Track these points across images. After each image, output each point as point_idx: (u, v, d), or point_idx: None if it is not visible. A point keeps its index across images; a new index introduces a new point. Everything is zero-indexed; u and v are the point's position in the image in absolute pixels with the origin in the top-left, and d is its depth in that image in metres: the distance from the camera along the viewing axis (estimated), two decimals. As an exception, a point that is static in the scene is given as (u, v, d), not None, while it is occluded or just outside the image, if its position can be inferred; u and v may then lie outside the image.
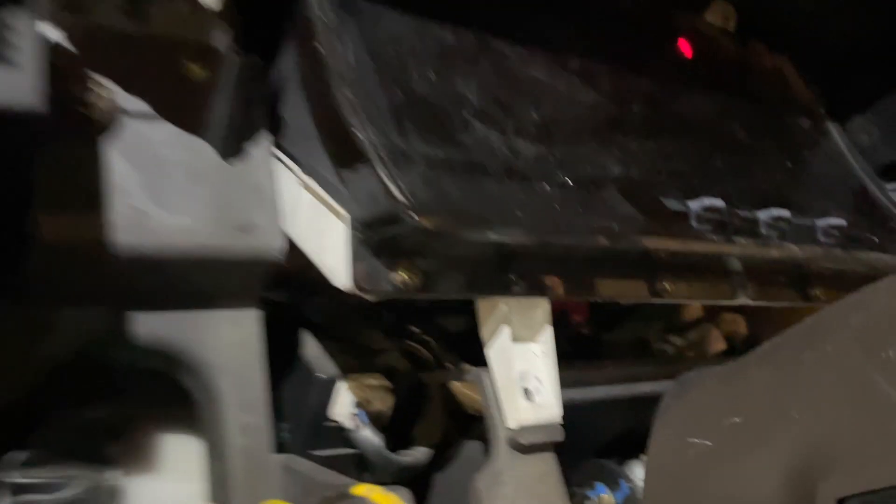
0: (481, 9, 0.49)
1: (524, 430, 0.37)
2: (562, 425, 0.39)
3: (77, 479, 0.34)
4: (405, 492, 0.33)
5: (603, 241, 0.39)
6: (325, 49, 0.38)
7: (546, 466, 0.38)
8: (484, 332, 0.39)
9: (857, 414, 0.32)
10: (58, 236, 0.32)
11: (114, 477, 0.36)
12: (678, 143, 0.54)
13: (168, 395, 0.38)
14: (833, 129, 0.71)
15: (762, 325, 0.77)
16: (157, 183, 0.35)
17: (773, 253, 0.47)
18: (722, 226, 0.47)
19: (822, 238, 0.54)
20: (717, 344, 0.77)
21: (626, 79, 0.55)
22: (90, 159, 0.32)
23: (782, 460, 0.34)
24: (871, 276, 0.50)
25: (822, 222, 0.55)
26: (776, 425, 0.35)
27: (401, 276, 0.34)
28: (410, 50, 0.42)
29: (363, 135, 0.34)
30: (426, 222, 0.31)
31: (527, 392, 0.39)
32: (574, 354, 0.58)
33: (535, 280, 0.39)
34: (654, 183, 0.47)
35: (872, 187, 0.68)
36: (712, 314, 0.78)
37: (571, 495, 0.46)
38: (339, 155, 0.35)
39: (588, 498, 0.50)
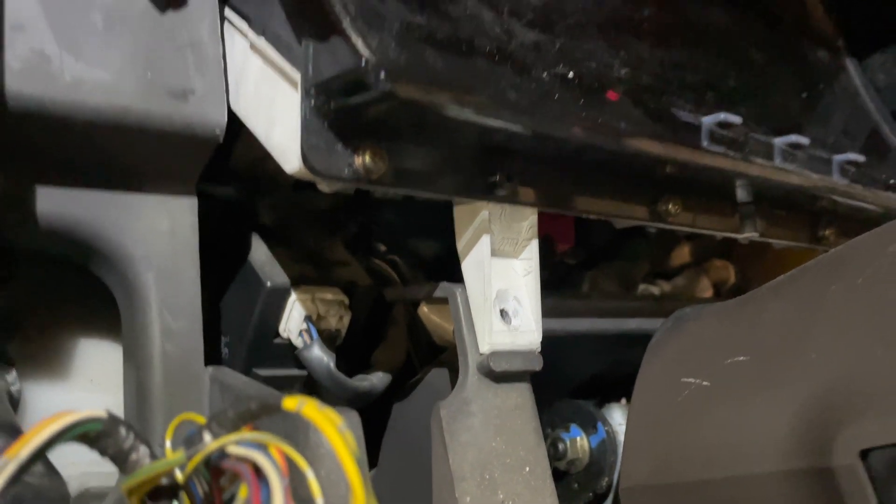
0: None
1: (498, 355, 0.32)
2: (540, 354, 0.34)
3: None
4: (352, 414, 0.27)
5: (606, 139, 0.33)
6: None
7: (520, 398, 0.33)
8: (460, 242, 0.34)
9: (883, 355, 0.27)
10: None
11: (9, 379, 0.30)
12: (691, 54, 0.48)
13: (78, 288, 0.32)
14: (850, 64, 0.65)
15: (752, 275, 0.73)
16: (69, 24, 0.28)
17: (792, 179, 0.41)
18: (736, 144, 0.41)
19: (838, 173, 0.49)
20: (705, 291, 0.73)
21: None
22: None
23: (795, 403, 0.29)
24: (883, 217, 0.45)
25: (840, 157, 0.50)
26: (791, 364, 0.30)
27: (363, 160, 0.28)
28: None
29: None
30: (398, 88, 0.25)
31: (503, 313, 0.33)
32: (554, 285, 0.54)
33: (524, 184, 0.33)
34: (663, 91, 0.41)
35: (885, 129, 0.63)
36: (701, 260, 0.74)
37: (543, 436, 0.41)
38: (297, 5, 0.29)
39: (561, 440, 0.45)
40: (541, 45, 0.37)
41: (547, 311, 0.36)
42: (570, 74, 0.36)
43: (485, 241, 0.33)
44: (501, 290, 0.33)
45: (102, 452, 0.22)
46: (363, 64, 0.25)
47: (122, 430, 0.22)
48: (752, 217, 0.44)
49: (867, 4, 0.67)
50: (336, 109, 0.27)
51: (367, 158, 0.28)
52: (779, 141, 0.45)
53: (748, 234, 0.44)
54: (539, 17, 0.38)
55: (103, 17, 0.29)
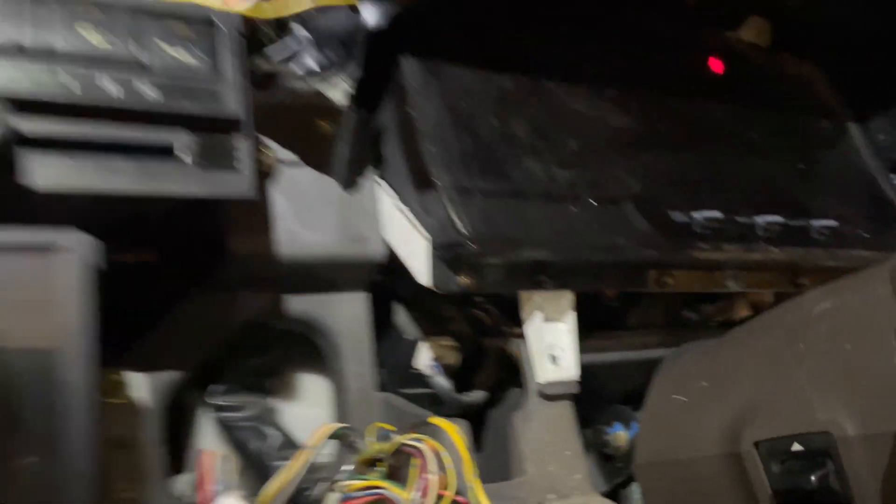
0: (534, 54, 0.63)
1: (549, 384, 0.54)
2: (579, 382, 0.55)
3: (252, 403, 0.53)
4: (463, 423, 0.50)
5: (611, 256, 0.53)
6: (413, 112, 0.53)
7: (564, 411, 0.54)
8: (523, 314, 0.55)
9: (774, 385, 0.47)
10: (240, 249, 0.49)
11: (273, 402, 0.55)
12: (696, 155, 0.67)
13: (307, 350, 0.55)
14: (853, 128, 0.80)
15: (785, 296, 0.89)
16: (302, 210, 0.52)
17: (756, 257, 0.60)
18: (720, 233, 0.60)
19: (815, 237, 0.66)
20: (743, 311, 0.89)
21: (656, 100, 0.68)
22: (261, 204, 0.49)
23: (727, 413, 0.48)
24: (852, 268, 0.63)
25: (817, 223, 0.67)
26: (725, 389, 0.49)
27: (463, 280, 0.50)
28: (478, 100, 0.57)
29: (439, 181, 0.50)
30: (479, 250, 0.47)
31: (553, 358, 0.55)
32: (604, 325, 0.73)
33: (560, 279, 0.54)
34: (665, 196, 0.61)
35: (882, 182, 0.77)
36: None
37: (595, 430, 0.62)
38: (421, 193, 0.51)
39: (607, 433, 0.66)
40: (573, 181, 0.57)
41: (592, 349, 0.57)
42: (593, 202, 0.57)
43: (538, 314, 0.55)
44: (550, 343, 0.55)
45: (344, 444, 0.45)
46: (462, 239, 0.47)
47: (351, 433, 0.45)
48: (735, 276, 0.62)
49: (869, 75, 0.81)
50: (448, 256, 0.49)
51: (464, 279, 0.50)
52: (760, 220, 0.64)
53: (731, 289, 0.62)
54: (574, 156, 0.59)
55: (320, 203, 0.52)
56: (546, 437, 0.53)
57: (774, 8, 0.79)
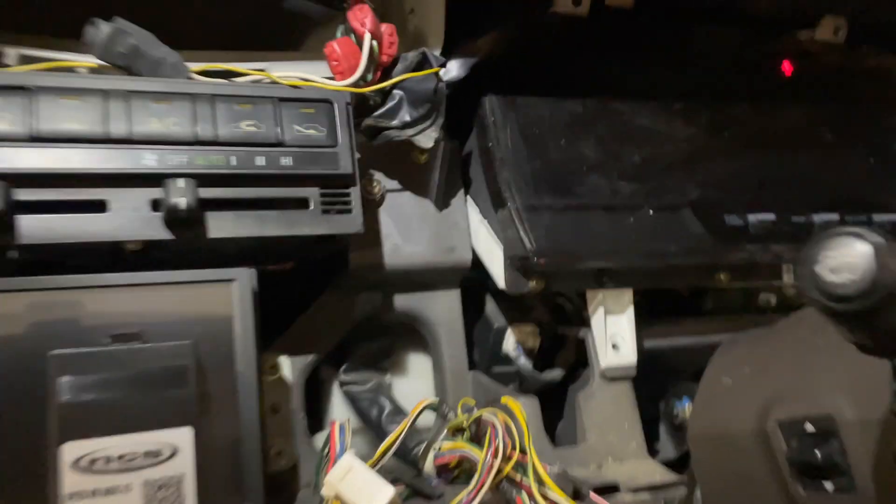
0: (601, 77, 0.71)
1: (611, 368, 0.64)
2: (637, 367, 0.65)
3: (371, 379, 0.67)
4: (534, 400, 0.61)
5: (664, 261, 0.63)
6: (492, 142, 0.64)
7: (624, 389, 0.65)
8: (589, 308, 0.65)
9: (797, 374, 0.54)
10: (358, 261, 0.63)
11: (386, 379, 0.69)
12: (758, 158, 0.73)
13: (413, 336, 0.69)
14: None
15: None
16: (405, 228, 0.65)
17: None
18: (772, 234, 0.67)
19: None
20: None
21: (722, 109, 0.74)
22: (372, 225, 0.62)
23: (759, 397, 0.57)
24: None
25: (881, 217, 0.72)
26: (761, 376, 0.58)
27: (533, 283, 0.61)
28: (549, 125, 0.67)
29: (511, 202, 0.61)
30: (544, 262, 0.58)
31: (615, 346, 0.65)
32: (680, 311, 0.81)
33: (620, 280, 0.64)
34: (723, 200, 0.68)
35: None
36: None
37: (667, 403, 0.72)
38: (498, 211, 0.62)
39: (677, 406, 0.75)
40: (634, 193, 0.66)
41: (659, 335, 0.67)
42: (651, 211, 0.65)
43: (601, 309, 0.65)
44: (613, 333, 0.65)
45: (439, 414, 0.58)
46: (529, 253, 0.58)
47: (444, 405, 0.58)
48: (788, 269, 0.68)
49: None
50: (518, 265, 0.60)
51: (534, 283, 0.61)
52: (818, 218, 0.70)
53: (787, 282, 0.69)
54: (637, 170, 0.68)
55: (418, 221, 0.65)
56: (607, 411, 0.64)
57: (849, 5, 0.82)
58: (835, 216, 0.69)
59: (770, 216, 0.67)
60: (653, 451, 0.72)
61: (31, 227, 0.44)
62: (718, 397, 0.64)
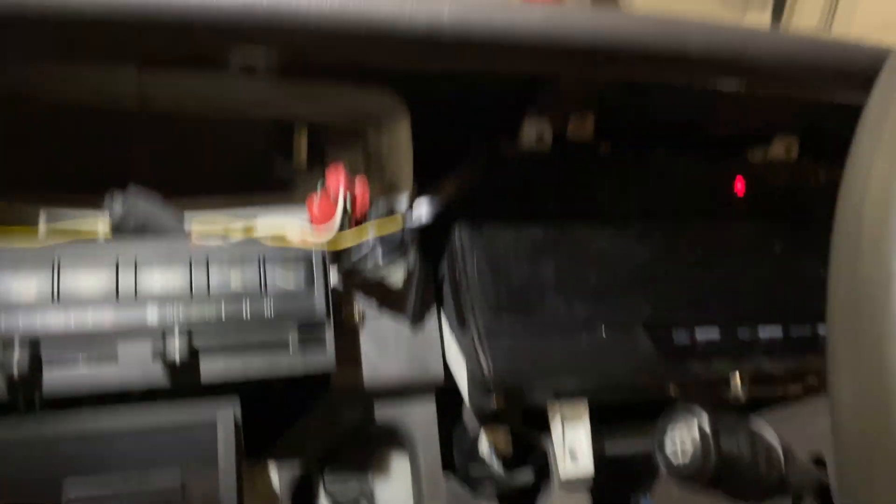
0: (561, 204, 0.79)
1: (569, 480, 0.70)
2: (593, 477, 0.71)
3: (355, 484, 0.74)
4: (497, 507, 0.68)
5: (614, 380, 0.69)
6: (459, 266, 0.72)
7: (582, 500, 0.71)
8: (550, 423, 0.72)
9: None
10: (339, 381, 0.71)
11: (369, 482, 0.76)
12: (711, 275, 0.80)
13: (393, 443, 0.76)
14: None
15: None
16: (382, 348, 0.72)
17: (750, 369, 0.73)
18: (717, 350, 0.73)
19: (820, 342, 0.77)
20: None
21: (676, 229, 0.82)
22: (352, 348, 0.70)
23: None
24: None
25: (823, 328, 0.78)
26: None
27: (496, 401, 0.68)
28: (513, 251, 0.75)
29: (473, 325, 0.69)
30: (499, 384, 0.65)
31: (573, 456, 0.71)
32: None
33: (577, 394, 0.70)
34: (672, 318, 0.75)
35: None
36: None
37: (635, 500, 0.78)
38: (462, 332, 0.70)
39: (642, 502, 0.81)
40: (589, 313, 0.73)
41: (616, 442, 0.74)
42: (604, 331, 0.72)
43: (558, 417, 0.71)
44: (570, 441, 0.71)
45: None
46: (486, 378, 0.65)
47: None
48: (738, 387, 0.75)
49: None
50: (480, 385, 0.68)
51: (496, 400, 0.68)
52: (763, 332, 0.76)
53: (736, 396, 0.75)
54: (593, 289, 0.75)
55: (394, 340, 0.73)
56: (567, 515, 0.70)
57: (800, 125, 0.90)
58: (778, 328, 0.76)
59: (715, 332, 0.74)
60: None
61: (54, 382, 0.52)
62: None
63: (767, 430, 0.42)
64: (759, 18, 2.27)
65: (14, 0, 0.41)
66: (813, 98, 0.72)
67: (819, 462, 0.39)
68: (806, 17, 2.09)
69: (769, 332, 0.76)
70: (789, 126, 0.90)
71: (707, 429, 0.36)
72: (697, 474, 0.36)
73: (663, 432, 0.37)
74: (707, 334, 0.74)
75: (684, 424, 0.37)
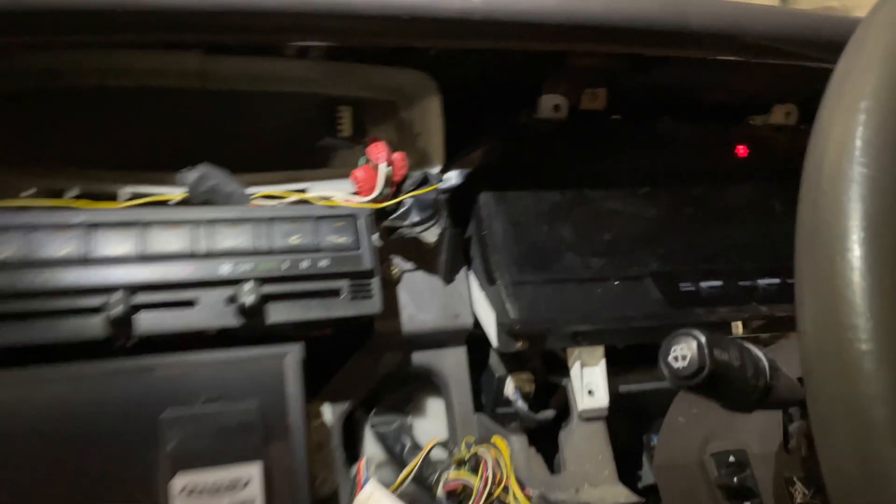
0: (577, 170, 0.87)
1: (586, 410, 0.79)
2: (608, 409, 0.80)
3: (396, 421, 0.83)
4: (524, 436, 0.77)
5: (626, 323, 0.78)
6: (485, 230, 0.81)
7: (598, 428, 0.80)
8: (568, 361, 0.81)
9: (724, 419, 0.69)
10: (382, 328, 0.80)
11: (409, 420, 0.85)
12: (714, 233, 0.88)
13: (429, 385, 0.85)
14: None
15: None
16: (418, 300, 0.81)
17: (745, 315, 0.81)
18: (719, 298, 0.81)
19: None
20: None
21: (682, 191, 0.90)
22: (391, 299, 0.79)
23: (700, 433, 0.71)
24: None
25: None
26: (705, 417, 0.72)
27: (519, 344, 0.77)
28: (533, 213, 0.83)
29: (500, 279, 0.77)
30: (525, 329, 0.74)
31: (590, 392, 0.80)
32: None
33: (592, 339, 0.79)
34: (678, 271, 0.83)
35: None
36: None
37: (647, 437, 0.87)
38: (490, 286, 0.79)
39: (653, 440, 0.89)
40: (603, 267, 0.81)
41: (630, 381, 0.82)
42: (615, 282, 0.81)
43: (578, 361, 0.80)
44: (587, 382, 0.80)
45: (447, 449, 0.74)
46: (513, 322, 0.74)
47: (450, 443, 0.74)
48: (738, 329, 0.83)
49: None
50: (508, 329, 0.76)
51: (521, 344, 0.77)
52: (761, 283, 0.84)
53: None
54: (607, 246, 0.83)
55: (429, 294, 0.82)
56: (584, 446, 0.79)
57: (798, 94, 0.97)
58: (776, 280, 0.84)
59: (718, 283, 0.82)
60: (637, 478, 0.87)
61: (146, 323, 0.62)
62: (675, 433, 0.79)
63: (755, 348, 0.50)
64: (769, -10, 2.31)
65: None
66: (809, 66, 0.79)
67: (802, 380, 0.47)
68: (814, -12, 2.13)
69: (767, 282, 0.84)
70: (788, 93, 0.97)
71: (703, 341, 0.44)
72: (694, 377, 0.44)
73: (668, 345, 0.45)
74: (710, 284, 0.82)
75: (684, 339, 0.45)
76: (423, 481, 0.75)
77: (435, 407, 0.87)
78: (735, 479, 0.65)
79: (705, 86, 0.92)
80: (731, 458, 0.66)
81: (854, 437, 0.33)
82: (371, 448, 0.83)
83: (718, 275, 0.83)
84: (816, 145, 0.43)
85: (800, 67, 0.79)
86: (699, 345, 0.44)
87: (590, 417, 0.80)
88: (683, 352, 0.45)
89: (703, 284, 0.82)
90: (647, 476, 0.89)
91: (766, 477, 0.62)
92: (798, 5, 2.13)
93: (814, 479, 0.58)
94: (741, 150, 0.95)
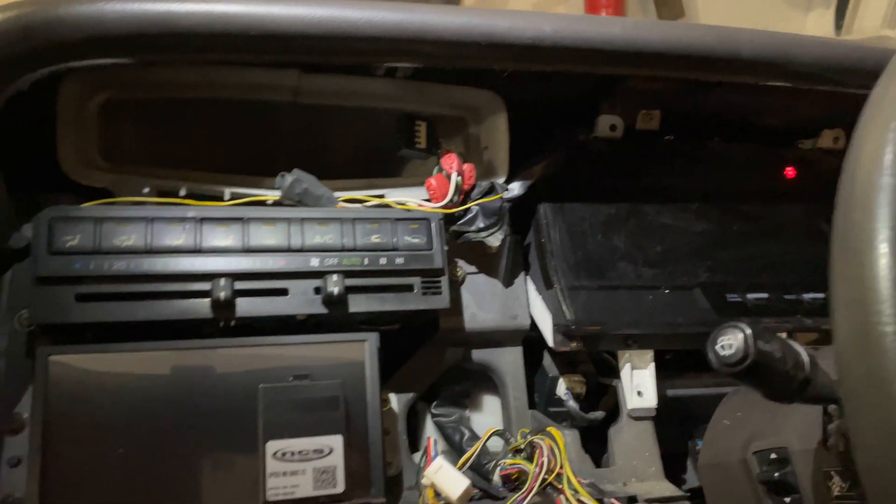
0: (632, 185, 0.93)
1: (635, 410, 0.84)
2: (657, 409, 0.85)
3: (455, 413, 0.90)
4: (576, 431, 0.83)
5: (675, 329, 0.83)
6: (544, 238, 0.87)
7: (646, 427, 0.85)
8: (619, 364, 0.86)
9: (766, 418, 0.73)
10: (446, 325, 0.86)
11: (467, 413, 0.92)
12: (762, 248, 0.93)
13: (487, 381, 0.92)
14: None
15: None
16: (480, 301, 0.88)
17: (788, 327, 0.85)
18: (764, 309, 0.86)
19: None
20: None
21: (731, 207, 0.95)
22: (456, 298, 0.86)
23: (744, 433, 0.76)
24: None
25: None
26: (749, 418, 0.77)
27: (574, 344, 0.83)
28: (589, 223, 0.90)
29: (557, 284, 0.83)
30: (580, 330, 0.80)
31: (639, 393, 0.85)
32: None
33: (642, 343, 0.84)
34: (727, 282, 0.88)
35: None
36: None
37: (692, 441, 0.92)
38: (548, 290, 0.85)
39: (698, 444, 0.94)
40: (654, 276, 0.87)
41: (677, 386, 0.87)
42: (666, 291, 0.86)
43: (628, 364, 0.86)
44: (637, 383, 0.85)
45: (503, 439, 0.80)
46: (569, 323, 0.80)
47: (507, 433, 0.81)
48: (784, 338, 0.87)
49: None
50: (564, 330, 0.82)
51: (575, 344, 0.83)
52: (807, 297, 0.89)
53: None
54: (658, 257, 0.89)
55: (490, 295, 0.88)
56: (632, 443, 0.84)
57: (847, 120, 1.01)
58: (821, 295, 0.88)
59: (764, 295, 0.87)
60: (681, 481, 0.92)
61: (245, 307, 0.70)
62: (720, 434, 0.83)
63: (797, 344, 0.55)
64: (823, 17, 2.33)
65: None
66: (857, 93, 0.84)
67: (840, 381, 0.52)
68: (869, 17, 2.16)
69: (812, 297, 0.88)
70: (837, 119, 1.01)
71: (749, 332, 0.50)
72: (738, 364, 0.50)
73: (716, 335, 0.51)
74: (757, 296, 0.87)
75: (732, 330, 0.50)
76: (480, 468, 0.82)
77: (491, 403, 0.93)
78: (776, 475, 0.69)
79: (756, 110, 0.98)
80: (773, 455, 0.71)
81: (877, 406, 0.38)
82: (431, 435, 0.90)
83: (765, 287, 0.88)
84: (851, 159, 0.49)
85: (848, 94, 0.84)
86: (745, 336, 0.50)
87: (638, 417, 0.85)
88: (730, 341, 0.50)
89: (750, 296, 0.87)
90: (691, 479, 0.94)
91: (805, 473, 0.67)
92: (853, 35, 2.16)
93: (851, 473, 0.62)
94: (790, 171, 0.99)
